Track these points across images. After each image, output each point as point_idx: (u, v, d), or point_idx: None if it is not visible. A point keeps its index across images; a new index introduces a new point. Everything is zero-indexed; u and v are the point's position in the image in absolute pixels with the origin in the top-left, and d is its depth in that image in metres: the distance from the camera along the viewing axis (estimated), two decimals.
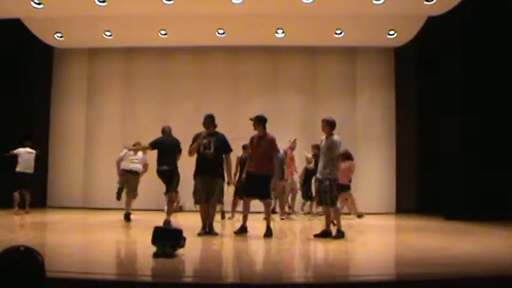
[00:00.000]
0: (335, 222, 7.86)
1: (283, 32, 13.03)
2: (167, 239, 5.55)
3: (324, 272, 5.34)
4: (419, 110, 13.86)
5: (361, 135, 14.05)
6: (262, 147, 8.00)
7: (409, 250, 7.20)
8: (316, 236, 7.79)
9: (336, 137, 7.73)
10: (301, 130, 13.52)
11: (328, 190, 7.61)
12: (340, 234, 7.66)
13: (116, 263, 5.53)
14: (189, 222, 9.43)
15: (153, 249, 5.52)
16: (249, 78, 14.33)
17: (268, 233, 7.84)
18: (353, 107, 14.31)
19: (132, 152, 10.64)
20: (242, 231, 8.01)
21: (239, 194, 10.02)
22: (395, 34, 13.09)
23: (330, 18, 12.47)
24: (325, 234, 7.71)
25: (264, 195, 8.06)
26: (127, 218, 10.25)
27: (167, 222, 8.72)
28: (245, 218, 8.10)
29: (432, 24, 12.11)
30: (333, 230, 7.78)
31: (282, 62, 14.37)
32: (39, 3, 11.32)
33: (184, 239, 5.79)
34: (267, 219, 8.08)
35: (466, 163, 11.12)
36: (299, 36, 13.37)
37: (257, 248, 7.17)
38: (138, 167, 10.76)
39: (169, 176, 9.29)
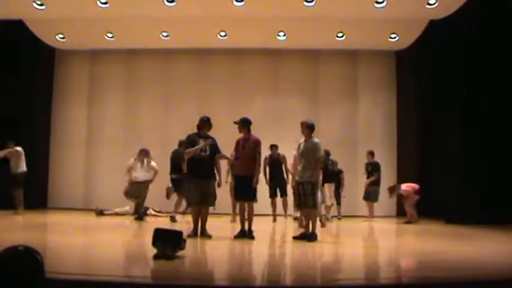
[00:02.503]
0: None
1: (284, 35, 13.04)
2: (168, 241, 5.55)
3: (323, 275, 5.34)
4: (420, 113, 13.84)
5: (362, 138, 14.04)
6: (248, 149, 8.05)
7: (409, 253, 7.21)
8: (295, 238, 7.90)
9: (317, 140, 7.83)
10: None
11: (310, 193, 7.67)
12: (314, 237, 7.67)
13: (116, 265, 5.52)
14: (189, 224, 9.41)
15: (154, 251, 5.52)
16: (251, 80, 14.33)
17: (250, 235, 7.89)
18: (354, 110, 14.31)
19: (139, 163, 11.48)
20: (242, 235, 7.98)
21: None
22: (397, 37, 13.09)
23: (331, 21, 12.46)
24: (304, 237, 7.74)
25: (250, 197, 8.07)
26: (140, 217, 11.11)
27: (173, 217, 10.57)
28: (243, 222, 8.08)
29: (434, 28, 12.10)
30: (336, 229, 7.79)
31: (284, 64, 14.37)
32: (41, 5, 11.34)
33: (185, 241, 5.79)
34: (249, 221, 8.04)
35: (467, 166, 11.11)
36: (301, 39, 13.38)
37: (259, 251, 7.15)
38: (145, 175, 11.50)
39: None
